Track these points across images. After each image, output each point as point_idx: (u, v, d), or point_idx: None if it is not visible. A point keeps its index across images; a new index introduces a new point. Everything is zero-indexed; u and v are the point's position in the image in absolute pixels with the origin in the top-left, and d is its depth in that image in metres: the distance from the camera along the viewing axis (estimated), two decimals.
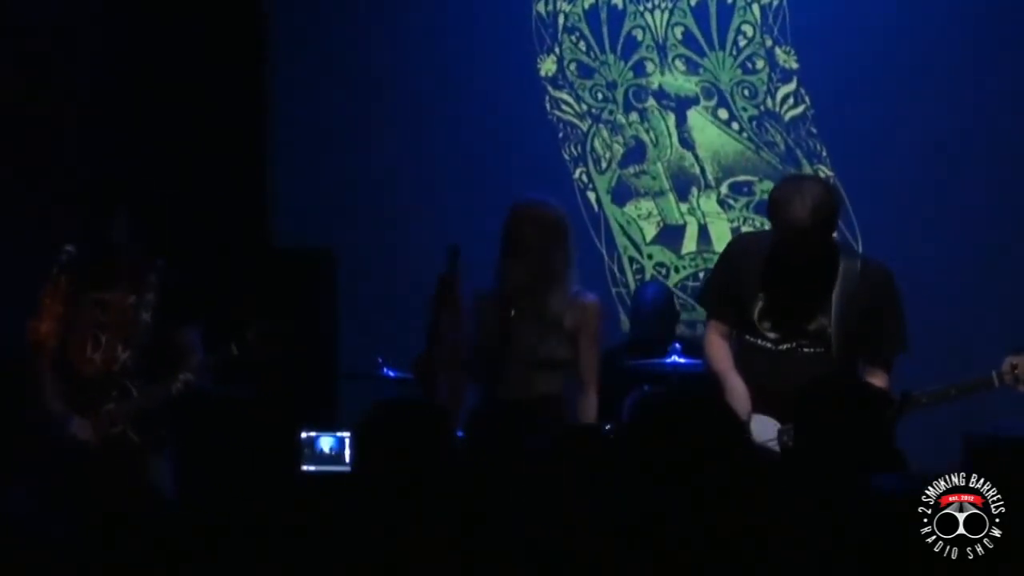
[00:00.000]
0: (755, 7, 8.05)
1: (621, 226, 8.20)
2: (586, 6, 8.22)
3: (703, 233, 8.11)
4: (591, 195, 8.24)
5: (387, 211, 8.26)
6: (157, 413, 6.19)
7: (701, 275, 8.05)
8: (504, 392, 5.88)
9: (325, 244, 8.21)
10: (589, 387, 5.97)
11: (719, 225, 8.08)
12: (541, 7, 8.27)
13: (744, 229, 7.99)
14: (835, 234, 5.60)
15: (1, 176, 7.53)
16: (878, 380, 5.34)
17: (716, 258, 7.95)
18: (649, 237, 8.18)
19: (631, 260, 8.20)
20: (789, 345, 5.42)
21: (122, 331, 6.19)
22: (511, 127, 8.18)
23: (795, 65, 7.99)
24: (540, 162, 8.15)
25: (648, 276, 8.16)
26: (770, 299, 5.41)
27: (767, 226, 7.95)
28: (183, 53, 8.01)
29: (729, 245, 6.08)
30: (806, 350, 5.41)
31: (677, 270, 8.16)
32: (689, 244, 8.14)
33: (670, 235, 8.17)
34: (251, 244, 8.21)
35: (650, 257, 8.18)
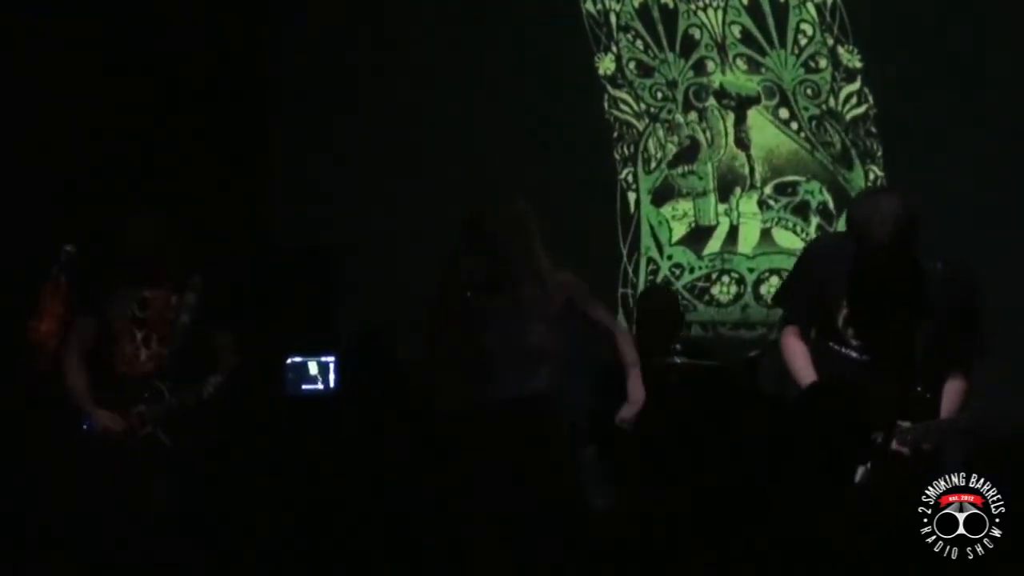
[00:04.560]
0: (810, 5, 7.90)
1: (652, 227, 8.07)
2: (636, 5, 8.10)
3: (731, 234, 7.94)
4: (631, 195, 8.13)
5: (412, 210, 8.25)
6: (189, 416, 6.14)
7: (715, 276, 7.96)
8: (494, 391, 5.80)
9: (339, 242, 8.27)
10: (617, 328, 6.27)
11: (751, 226, 7.90)
12: (590, 6, 8.18)
13: (776, 231, 7.85)
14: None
15: (7, 178, 7.61)
16: (958, 383, 5.32)
17: (735, 259, 7.98)
18: (676, 238, 8.04)
19: (649, 261, 8.09)
20: (874, 353, 5.36)
21: (161, 330, 6.19)
22: (563, 127, 8.12)
23: (859, 64, 7.87)
24: (589, 163, 8.11)
25: (662, 277, 8.01)
26: (855, 308, 5.37)
27: (800, 228, 8.08)
28: (186, 55, 8.12)
29: (809, 247, 6.02)
30: (891, 356, 5.35)
31: (692, 270, 8.01)
32: (713, 245, 7.99)
33: (697, 236, 8.02)
34: (257, 243, 8.28)
35: (669, 258, 8.04)
